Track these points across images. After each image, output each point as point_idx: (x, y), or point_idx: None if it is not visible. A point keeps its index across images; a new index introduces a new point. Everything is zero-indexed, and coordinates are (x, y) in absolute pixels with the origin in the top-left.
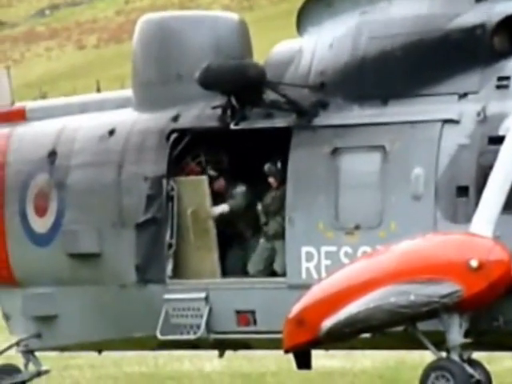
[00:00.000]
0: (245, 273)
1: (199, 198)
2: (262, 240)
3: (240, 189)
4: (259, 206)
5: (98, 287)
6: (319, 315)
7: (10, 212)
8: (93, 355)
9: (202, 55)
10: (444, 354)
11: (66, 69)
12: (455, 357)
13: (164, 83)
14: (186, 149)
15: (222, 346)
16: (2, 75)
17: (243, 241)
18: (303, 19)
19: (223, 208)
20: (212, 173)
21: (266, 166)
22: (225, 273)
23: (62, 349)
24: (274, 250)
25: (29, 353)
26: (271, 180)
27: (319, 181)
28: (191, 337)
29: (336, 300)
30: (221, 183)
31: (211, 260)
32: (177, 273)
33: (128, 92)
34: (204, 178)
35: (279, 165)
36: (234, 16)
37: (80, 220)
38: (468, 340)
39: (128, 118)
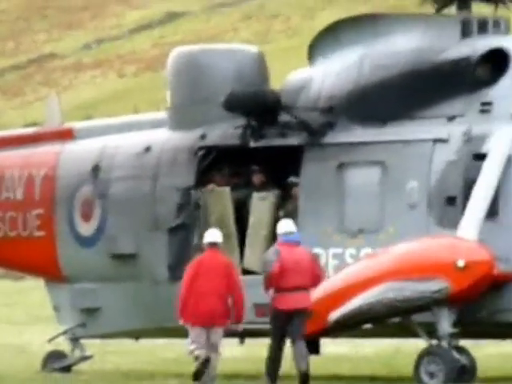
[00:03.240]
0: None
1: (223, 206)
2: None
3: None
4: (281, 213)
5: (135, 283)
6: (327, 308)
7: (60, 218)
8: (130, 342)
9: (225, 83)
10: (435, 342)
11: (108, 94)
12: (444, 344)
13: (193, 107)
14: (212, 163)
15: (242, 334)
16: (53, 100)
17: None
18: (314, 51)
19: None
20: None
21: (289, 179)
22: (245, 271)
23: (104, 336)
24: None
25: (75, 340)
26: (295, 191)
27: (327, 191)
28: None
29: (341, 295)
30: (259, 179)
31: (233, 259)
32: None
33: (162, 114)
34: (227, 189)
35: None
36: (253, 48)
37: (120, 225)
38: (456, 330)
39: (162, 137)
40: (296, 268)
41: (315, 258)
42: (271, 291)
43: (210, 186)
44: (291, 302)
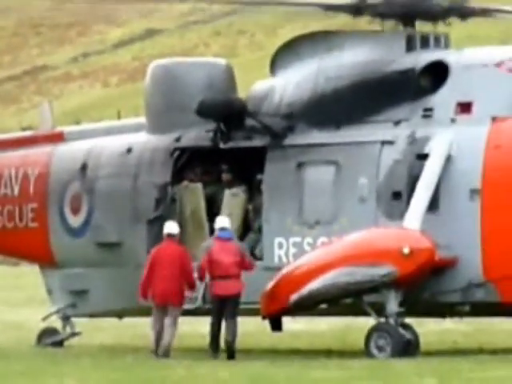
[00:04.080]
0: None
1: (196, 200)
2: (250, 232)
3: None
4: (250, 207)
5: (119, 268)
6: (288, 290)
7: (52, 211)
8: (115, 320)
9: (198, 91)
10: (383, 320)
11: (94, 102)
12: (392, 322)
13: (169, 113)
14: (186, 163)
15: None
16: (46, 107)
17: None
18: (275, 63)
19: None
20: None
21: (257, 177)
22: None
23: (91, 315)
24: (258, 240)
25: (66, 318)
26: (261, 187)
27: (288, 187)
28: (191, 306)
29: (300, 279)
30: (228, 177)
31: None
32: None
33: (142, 119)
34: (199, 185)
35: None
36: (222, 61)
37: (105, 217)
38: (402, 309)
39: (142, 139)
40: (224, 259)
41: (243, 251)
42: (207, 278)
43: (184, 183)
44: (223, 288)
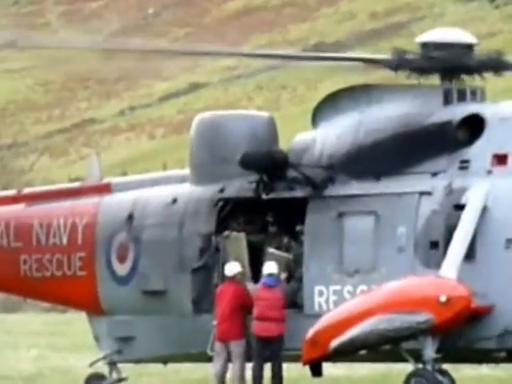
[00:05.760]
0: None
1: (239, 249)
2: (292, 281)
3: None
4: (291, 256)
5: (164, 316)
6: (328, 337)
7: (99, 259)
8: (159, 366)
9: (241, 144)
10: (421, 366)
11: (140, 154)
12: (429, 367)
13: (213, 164)
14: (230, 213)
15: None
16: (93, 158)
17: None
18: (316, 116)
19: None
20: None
21: (299, 227)
22: None
23: (137, 361)
24: (299, 288)
25: (112, 364)
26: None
27: (328, 237)
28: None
29: (341, 326)
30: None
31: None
32: None
33: (186, 171)
34: (242, 235)
35: None
36: (265, 114)
37: (151, 266)
38: (438, 355)
39: (186, 190)
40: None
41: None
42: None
43: (227, 233)
44: (265, 329)
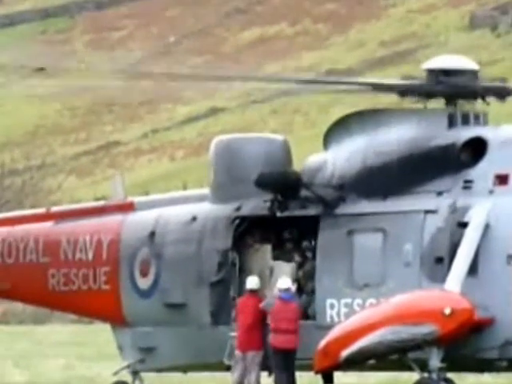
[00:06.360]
0: None
1: (264, 261)
2: (303, 295)
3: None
4: (300, 273)
5: (184, 327)
6: (339, 347)
7: (123, 274)
8: (180, 375)
9: (257, 165)
10: (426, 375)
11: (162, 174)
12: (434, 376)
13: (230, 184)
14: (246, 230)
15: (269, 368)
16: (117, 179)
17: None
18: (328, 139)
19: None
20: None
21: (311, 244)
22: None
23: (159, 370)
24: (310, 301)
25: (135, 373)
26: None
27: (339, 253)
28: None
29: (351, 336)
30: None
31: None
32: None
33: (205, 190)
34: (269, 247)
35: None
36: (279, 137)
37: (172, 280)
38: (443, 364)
39: (205, 209)
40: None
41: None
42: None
43: (256, 246)
44: (283, 341)
